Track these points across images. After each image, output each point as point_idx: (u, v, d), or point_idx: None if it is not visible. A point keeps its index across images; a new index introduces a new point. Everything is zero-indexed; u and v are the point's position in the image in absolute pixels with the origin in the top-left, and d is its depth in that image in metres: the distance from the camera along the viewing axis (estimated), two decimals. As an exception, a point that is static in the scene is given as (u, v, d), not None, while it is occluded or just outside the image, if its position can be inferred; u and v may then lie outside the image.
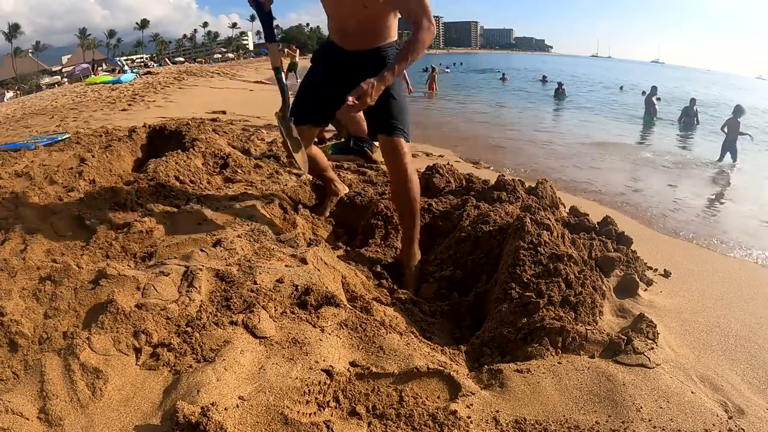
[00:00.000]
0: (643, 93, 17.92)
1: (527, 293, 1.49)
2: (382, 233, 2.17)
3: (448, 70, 29.52)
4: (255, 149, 3.28)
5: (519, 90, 18.37)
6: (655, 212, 3.83)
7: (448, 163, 2.87)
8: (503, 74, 24.35)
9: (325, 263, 1.64)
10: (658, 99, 11.29)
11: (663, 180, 5.32)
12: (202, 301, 1.29)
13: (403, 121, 1.78)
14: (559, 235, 1.78)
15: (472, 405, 1.07)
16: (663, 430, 1.01)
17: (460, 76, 26.46)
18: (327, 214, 2.35)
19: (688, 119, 10.43)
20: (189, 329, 1.18)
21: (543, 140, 7.36)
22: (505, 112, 10.64)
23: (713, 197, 4.89)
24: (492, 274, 1.78)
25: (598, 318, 1.45)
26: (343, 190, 2.46)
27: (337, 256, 1.83)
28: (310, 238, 1.88)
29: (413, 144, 3.11)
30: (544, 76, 23.27)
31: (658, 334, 1.36)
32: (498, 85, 20.38)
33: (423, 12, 1.64)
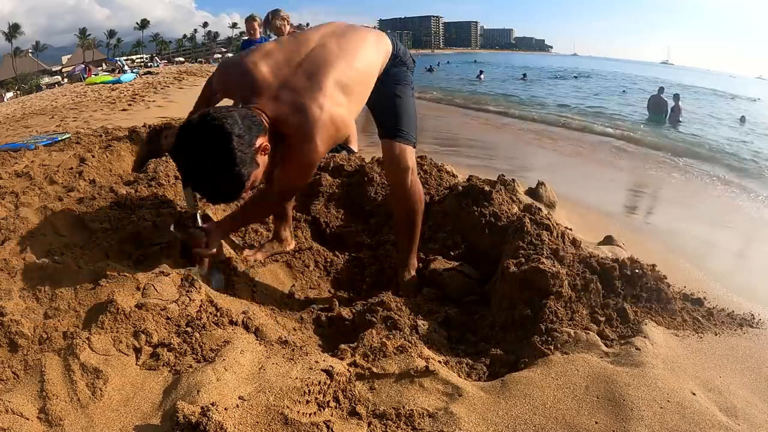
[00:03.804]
0: (624, 91, 17.55)
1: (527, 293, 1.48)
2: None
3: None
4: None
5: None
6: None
7: (446, 164, 2.87)
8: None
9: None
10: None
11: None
12: (202, 300, 1.29)
13: (408, 126, 1.66)
14: (559, 235, 1.78)
15: (471, 405, 1.07)
16: (662, 430, 1.01)
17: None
18: (260, 259, 1.88)
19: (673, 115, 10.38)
20: (189, 329, 1.18)
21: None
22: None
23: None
24: (492, 274, 1.78)
25: (598, 318, 1.45)
26: (290, 246, 2.02)
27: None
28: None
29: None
30: (524, 74, 23.35)
31: (658, 334, 1.36)
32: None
33: (284, 192, 1.52)
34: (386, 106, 1.68)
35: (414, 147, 1.69)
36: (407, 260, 1.81)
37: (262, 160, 1.28)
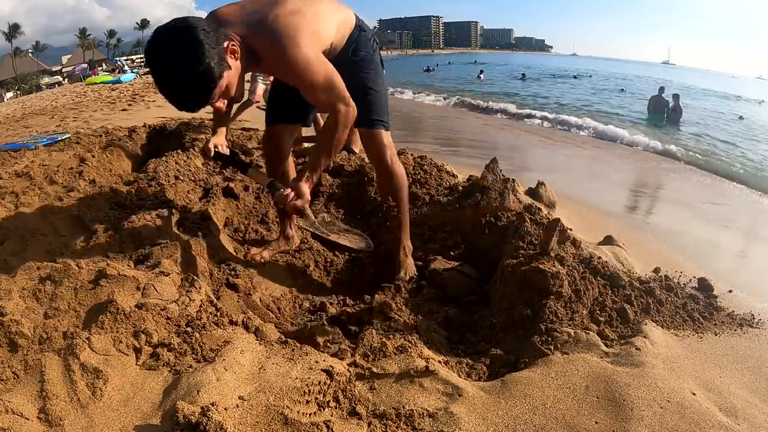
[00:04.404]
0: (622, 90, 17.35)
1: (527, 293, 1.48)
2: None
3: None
4: (255, 149, 3.28)
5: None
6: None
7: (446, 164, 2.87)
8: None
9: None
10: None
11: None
12: (202, 300, 1.29)
13: (380, 112, 1.78)
14: (559, 235, 1.78)
15: (471, 405, 1.07)
16: (662, 430, 1.01)
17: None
18: (266, 257, 1.92)
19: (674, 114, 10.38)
20: (189, 329, 1.18)
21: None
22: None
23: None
24: (492, 274, 1.78)
25: (598, 318, 1.45)
26: (295, 244, 2.05)
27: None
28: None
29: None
30: (523, 74, 23.34)
31: (658, 334, 1.36)
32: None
33: (334, 98, 1.44)
34: (361, 100, 1.70)
35: (387, 129, 1.81)
36: (399, 239, 1.91)
37: (234, 64, 1.31)
